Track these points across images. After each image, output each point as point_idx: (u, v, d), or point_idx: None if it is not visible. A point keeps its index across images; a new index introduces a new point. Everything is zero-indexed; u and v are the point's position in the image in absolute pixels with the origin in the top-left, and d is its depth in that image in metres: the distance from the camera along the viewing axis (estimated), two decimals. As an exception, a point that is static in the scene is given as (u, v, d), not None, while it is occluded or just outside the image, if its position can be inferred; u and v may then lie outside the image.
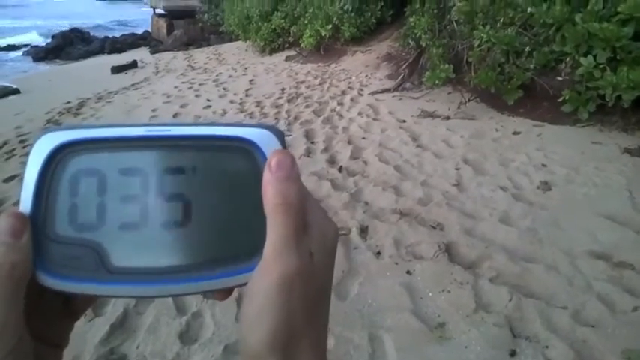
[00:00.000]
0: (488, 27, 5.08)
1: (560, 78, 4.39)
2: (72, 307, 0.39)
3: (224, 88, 8.08)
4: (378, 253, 2.69)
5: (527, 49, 4.75)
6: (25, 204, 0.35)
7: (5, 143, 5.97)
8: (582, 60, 3.99)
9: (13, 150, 5.65)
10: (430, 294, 2.33)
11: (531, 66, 4.65)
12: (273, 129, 0.37)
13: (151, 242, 0.35)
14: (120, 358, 2.10)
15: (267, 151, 0.35)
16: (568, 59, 4.29)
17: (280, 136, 0.37)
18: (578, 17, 4.12)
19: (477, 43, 5.13)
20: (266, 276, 0.33)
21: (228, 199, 0.35)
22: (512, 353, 1.94)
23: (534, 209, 2.97)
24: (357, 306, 2.28)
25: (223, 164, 0.36)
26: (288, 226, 0.33)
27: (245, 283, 0.34)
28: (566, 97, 4.17)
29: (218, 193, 0.35)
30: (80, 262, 0.34)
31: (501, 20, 5.09)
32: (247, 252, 0.35)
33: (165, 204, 0.35)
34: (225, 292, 0.37)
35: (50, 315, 0.37)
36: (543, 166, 3.55)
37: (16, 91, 10.43)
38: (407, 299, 2.30)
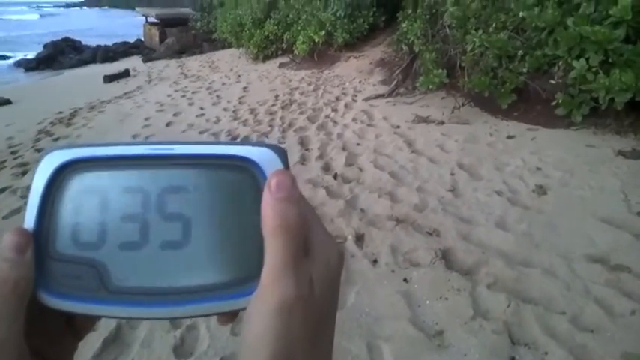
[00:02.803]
0: (480, 31, 5.10)
1: (553, 81, 4.41)
2: (75, 325, 0.38)
3: (217, 96, 8.08)
4: (375, 261, 2.68)
5: (520, 53, 4.77)
6: (29, 221, 0.35)
7: (-4, 154, 5.91)
8: (575, 63, 4.00)
9: (4, 162, 5.60)
10: (428, 302, 2.31)
11: (524, 70, 4.67)
12: (275, 148, 0.36)
13: (150, 262, 0.34)
14: (114, 373, 2.07)
15: (268, 171, 0.35)
16: (561, 63, 4.31)
17: (282, 155, 0.36)
18: (570, 21, 4.14)
19: (469, 47, 5.15)
20: (264, 301, 0.31)
21: (229, 220, 0.35)
22: (512, 361, 1.92)
23: (530, 213, 2.97)
24: (354, 315, 2.25)
25: (224, 184, 0.35)
26: (286, 250, 0.32)
27: (244, 308, 0.33)
28: (560, 101, 4.18)
29: (218, 213, 0.35)
30: (81, 282, 0.34)
31: (494, 25, 5.12)
32: (247, 274, 0.34)
33: (165, 224, 0.35)
34: (229, 316, 0.36)
35: (52, 333, 0.37)
36: (538, 169, 3.55)
37: (7, 102, 10.37)
38: (404, 307, 2.28)
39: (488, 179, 3.51)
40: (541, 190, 3.22)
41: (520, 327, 2.08)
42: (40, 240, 0.34)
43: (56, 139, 6.48)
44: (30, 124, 7.48)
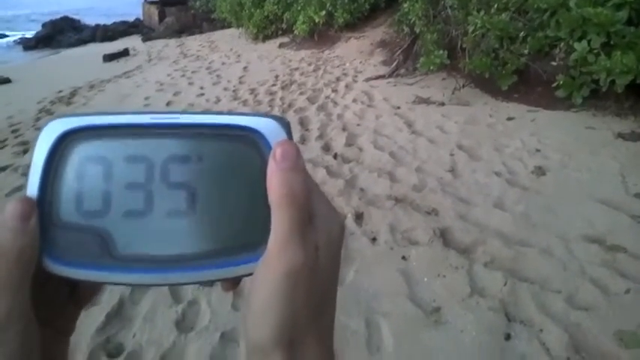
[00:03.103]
0: (482, 12, 5.06)
1: (554, 63, 4.38)
2: (78, 294, 0.39)
3: (217, 76, 8.03)
4: (374, 239, 2.70)
5: (522, 34, 4.74)
6: (32, 189, 0.34)
7: (-4, 133, 5.91)
8: (576, 45, 3.98)
9: (5, 140, 5.60)
10: (425, 279, 2.35)
11: (525, 51, 4.64)
12: (279, 118, 0.36)
13: (155, 230, 0.35)
14: (116, 347, 2.11)
15: (273, 141, 0.35)
16: (562, 44, 4.28)
17: (286, 126, 0.36)
18: (572, 2, 4.10)
19: (471, 28, 5.11)
20: (270, 269, 0.32)
21: (233, 189, 0.35)
22: (507, 337, 1.96)
23: (528, 194, 2.99)
24: (353, 292, 2.29)
25: (228, 153, 0.35)
26: (293, 218, 0.32)
27: (250, 274, 0.34)
28: (560, 83, 4.17)
29: (223, 182, 0.35)
30: (85, 249, 0.34)
31: (495, 6, 5.07)
32: (252, 242, 0.34)
33: (170, 192, 0.35)
34: (232, 283, 0.37)
35: (56, 301, 0.37)
36: (537, 151, 3.55)
37: (6, 81, 10.30)
38: (403, 285, 2.31)
39: (488, 160, 3.52)
40: (540, 172, 3.23)
41: (516, 305, 2.12)
42: (43, 208, 0.34)
43: (54, 116, 6.46)
44: (30, 103, 7.45)
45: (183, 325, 2.21)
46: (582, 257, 2.35)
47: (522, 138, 3.80)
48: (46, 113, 6.80)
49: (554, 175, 3.18)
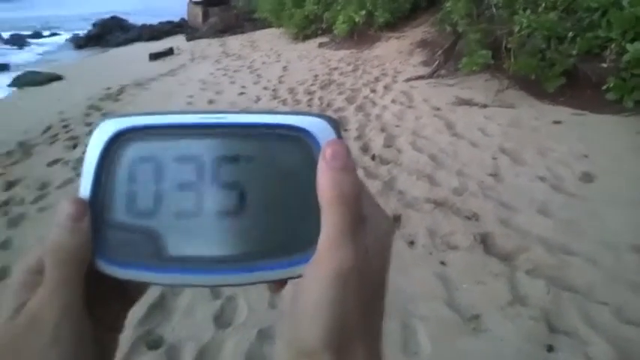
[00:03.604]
0: (528, 11, 4.91)
1: (604, 65, 4.20)
2: (129, 292, 0.40)
3: (258, 75, 8.13)
4: (412, 242, 2.67)
5: (570, 34, 4.56)
6: (85, 189, 0.35)
7: (49, 128, 6.20)
8: (629, 46, 3.81)
9: (57, 134, 5.87)
10: (464, 285, 2.30)
11: (574, 52, 4.46)
12: (328, 118, 0.36)
13: (205, 231, 0.35)
14: (156, 339, 2.17)
15: (322, 141, 0.35)
16: (613, 45, 4.10)
17: (336, 125, 0.36)
18: (625, 1, 3.93)
19: (516, 28, 4.97)
20: (321, 269, 0.32)
21: (283, 189, 0.35)
22: (550, 349, 1.89)
23: (574, 200, 2.88)
24: (389, 294, 2.26)
25: (278, 153, 0.35)
26: (344, 218, 0.32)
27: (299, 276, 0.34)
28: (611, 85, 3.99)
29: (273, 182, 0.35)
30: (135, 249, 0.35)
31: (543, 4, 4.91)
32: (302, 243, 0.34)
33: (220, 192, 0.35)
34: (279, 284, 0.37)
35: (108, 300, 0.38)
36: (585, 156, 3.42)
37: (59, 78, 10.79)
38: (441, 289, 2.28)
39: (532, 164, 3.42)
40: (587, 178, 3.11)
41: (559, 315, 2.05)
42: (95, 208, 0.35)
43: (105, 114, 6.71)
44: (80, 100, 7.75)
45: (221, 320, 2.25)
46: (631, 268, 2.25)
47: (569, 142, 3.67)
48: (95, 109, 7.07)
49: (602, 182, 3.05)
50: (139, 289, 0.40)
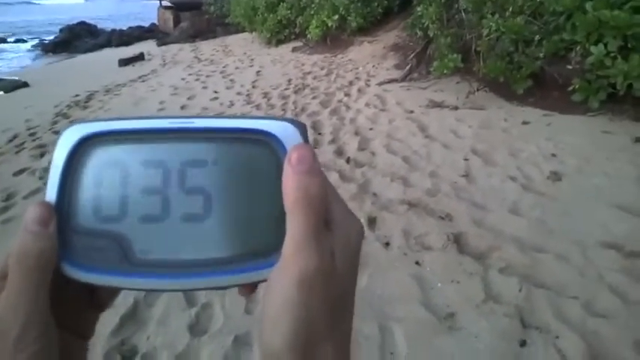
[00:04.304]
0: (497, 16, 5.02)
1: (570, 67, 4.32)
2: (97, 298, 0.39)
3: (231, 80, 8.08)
4: (387, 244, 2.69)
5: (537, 37, 4.68)
6: (51, 194, 0.35)
7: (15, 136, 6.02)
8: (593, 48, 3.92)
9: (23, 143, 5.69)
10: (439, 285, 2.33)
11: (541, 55, 4.58)
12: (295, 122, 0.36)
13: (172, 235, 0.34)
14: (131, 349, 2.12)
15: (289, 145, 0.35)
16: (578, 48, 4.22)
17: (302, 129, 0.36)
18: (589, 5, 4.04)
19: (485, 32, 5.07)
20: (286, 273, 0.31)
21: (249, 193, 0.35)
22: (523, 343, 1.93)
23: (544, 199, 2.95)
24: (366, 297, 2.27)
25: (244, 157, 0.35)
26: (309, 221, 0.32)
27: (266, 279, 0.34)
28: (577, 86, 4.12)
29: (239, 186, 0.35)
30: (103, 254, 0.34)
31: (510, 9, 5.02)
32: (268, 247, 0.34)
33: (186, 197, 0.35)
34: (250, 288, 0.37)
35: (75, 305, 0.37)
36: (553, 156, 3.51)
37: (25, 85, 10.50)
38: (416, 290, 2.30)
39: (503, 165, 3.49)
40: (556, 177, 3.19)
41: (532, 311, 2.09)
42: (62, 213, 0.34)
43: (73, 122, 6.55)
44: (47, 107, 7.56)
45: (196, 328, 2.22)
46: (600, 263, 2.31)
47: (538, 143, 3.76)
48: (63, 117, 6.90)
49: (570, 181, 3.14)
50: (108, 294, 0.39)
